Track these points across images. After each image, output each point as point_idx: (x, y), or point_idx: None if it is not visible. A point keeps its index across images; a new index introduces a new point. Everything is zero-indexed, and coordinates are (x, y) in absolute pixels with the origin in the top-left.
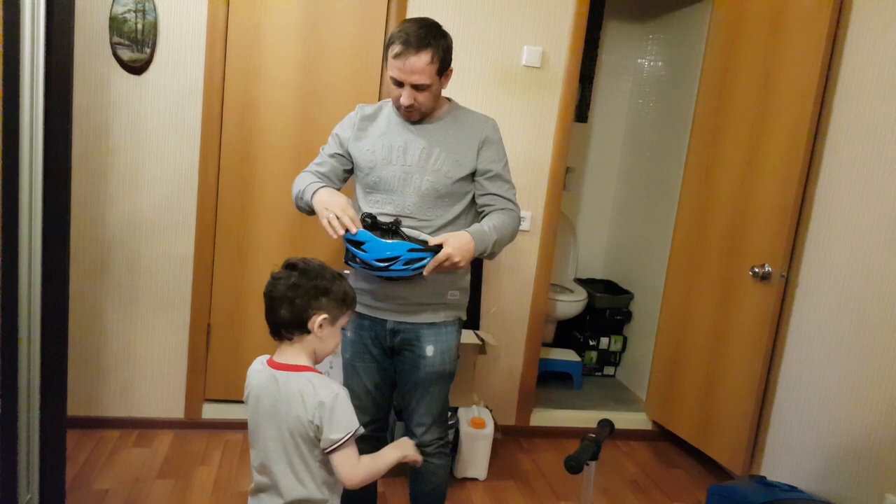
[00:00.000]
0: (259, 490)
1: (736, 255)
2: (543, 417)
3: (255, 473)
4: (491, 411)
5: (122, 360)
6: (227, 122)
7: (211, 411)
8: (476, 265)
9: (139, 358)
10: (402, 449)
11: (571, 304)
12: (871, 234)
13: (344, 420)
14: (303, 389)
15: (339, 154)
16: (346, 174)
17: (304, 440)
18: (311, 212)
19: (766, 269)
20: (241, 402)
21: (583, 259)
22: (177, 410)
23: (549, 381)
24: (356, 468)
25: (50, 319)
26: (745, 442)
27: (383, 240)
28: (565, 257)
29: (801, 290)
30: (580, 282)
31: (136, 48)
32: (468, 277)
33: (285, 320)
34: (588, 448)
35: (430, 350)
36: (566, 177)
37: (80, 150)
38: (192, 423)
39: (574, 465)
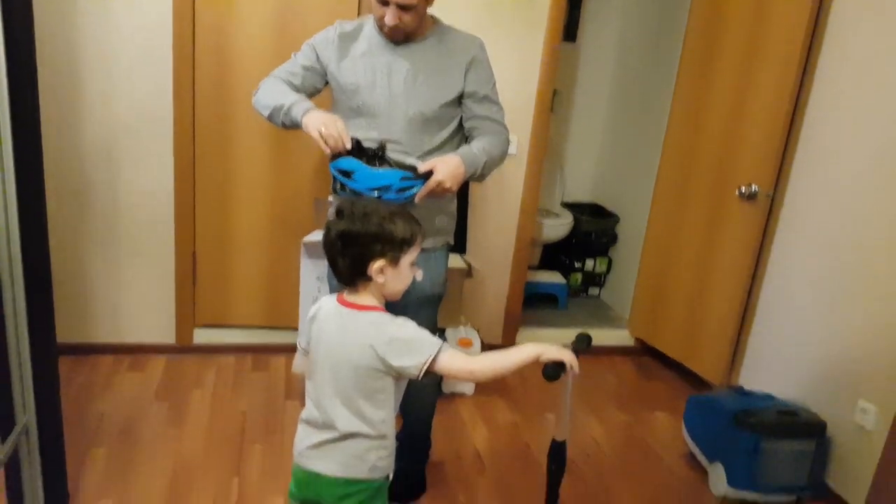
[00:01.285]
0: (311, 421)
1: (723, 176)
2: (529, 336)
3: (311, 405)
4: (478, 331)
5: (109, 288)
6: (200, 46)
7: (202, 336)
8: (462, 191)
9: (125, 285)
10: (550, 350)
11: (557, 227)
12: (857, 155)
13: (424, 341)
14: (370, 328)
15: (314, 69)
16: (317, 91)
17: (371, 377)
18: (289, 126)
19: (753, 188)
20: (232, 326)
21: (570, 183)
22: (168, 336)
23: (534, 303)
24: (471, 362)
25: (30, 243)
26: (725, 355)
27: (371, 167)
28: (552, 181)
29: (786, 209)
30: (567, 205)
31: None
32: (455, 203)
33: (344, 270)
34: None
35: (419, 274)
36: (553, 100)
37: (48, 81)
38: (183, 348)
39: (551, 373)
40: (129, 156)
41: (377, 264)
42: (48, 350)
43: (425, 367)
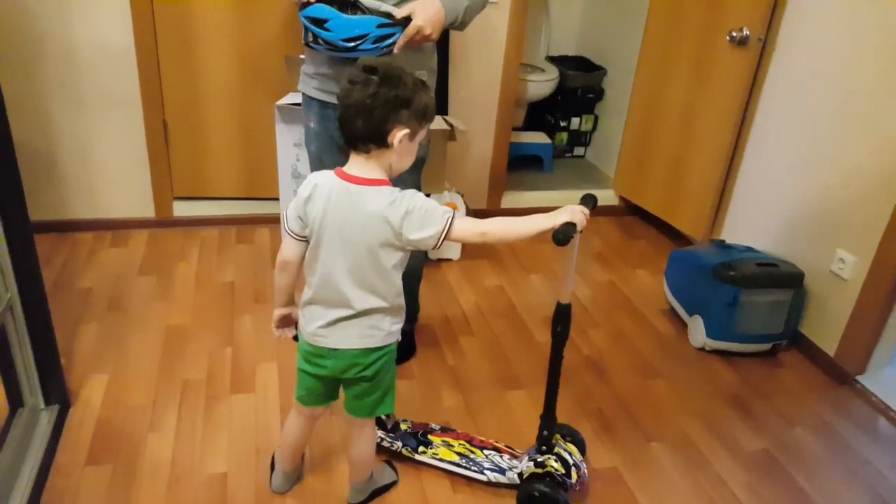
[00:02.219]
0: (321, 301)
1: (714, 20)
2: (514, 200)
3: (317, 287)
4: (462, 196)
5: (79, 162)
6: None
7: (182, 209)
8: (442, 45)
9: (97, 158)
10: (565, 215)
11: (543, 83)
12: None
13: (436, 210)
14: (384, 203)
15: None
16: None
17: (386, 254)
18: None
19: (745, 32)
20: (212, 198)
21: (555, 35)
22: (147, 210)
23: (519, 165)
24: (483, 224)
25: None
26: (708, 209)
27: (345, 14)
28: (537, 33)
29: (777, 53)
30: (552, 60)
31: None
32: (435, 58)
33: (361, 132)
34: (572, 223)
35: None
36: None
37: None
38: (164, 222)
39: (562, 238)
40: (82, 13)
41: (401, 132)
42: (20, 221)
43: (443, 237)
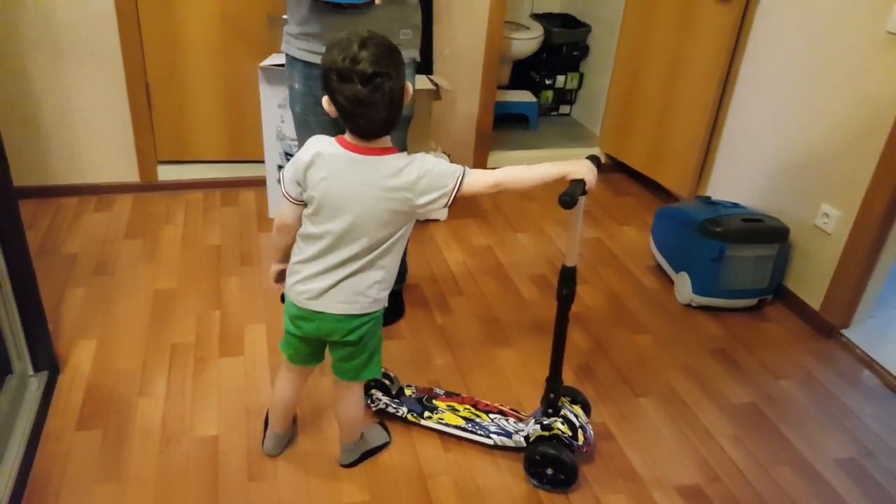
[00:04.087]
0: (310, 265)
1: None
2: (500, 159)
3: (312, 252)
4: (448, 156)
5: (61, 126)
6: None
7: (166, 173)
8: (426, 3)
9: (79, 122)
10: (577, 167)
11: (527, 41)
12: None
13: (446, 171)
14: (396, 168)
15: None
16: None
17: (396, 221)
18: None
19: None
20: (195, 162)
21: None
22: (132, 174)
23: (505, 124)
24: (494, 175)
25: None
26: (693, 166)
27: None
28: None
29: (761, 8)
30: (536, 17)
31: None
32: (419, 14)
33: (388, 122)
34: (579, 184)
35: None
36: None
37: None
38: (149, 186)
39: (568, 200)
40: None
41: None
42: (4, 186)
43: (454, 195)
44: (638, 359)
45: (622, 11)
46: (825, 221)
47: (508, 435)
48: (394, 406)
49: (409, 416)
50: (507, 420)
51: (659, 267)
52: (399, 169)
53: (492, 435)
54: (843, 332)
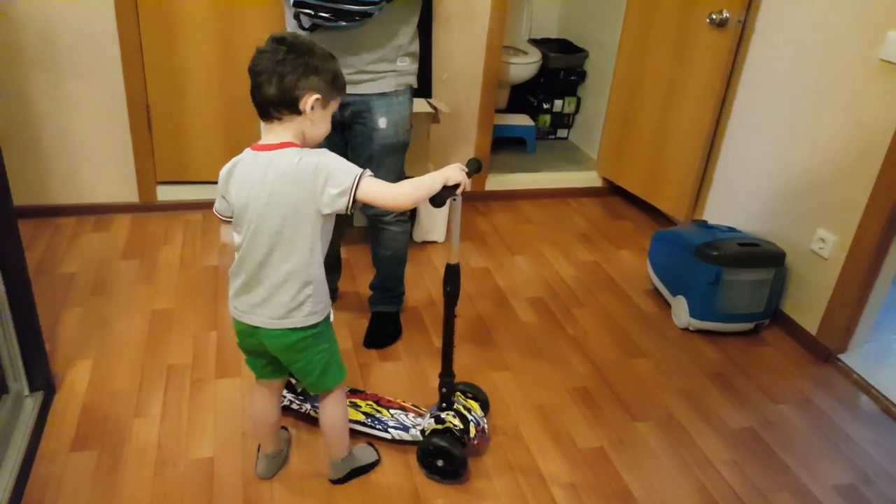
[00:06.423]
0: (242, 274)
1: (694, 3)
2: (498, 182)
3: (238, 261)
4: None
5: (60, 146)
6: None
7: (165, 193)
8: (424, 28)
9: (79, 142)
10: (453, 171)
11: (525, 66)
12: None
13: (344, 168)
14: (291, 162)
15: None
16: None
17: (300, 217)
18: None
19: (724, 15)
20: (196, 182)
21: (537, 17)
22: (131, 195)
23: (502, 147)
24: (394, 187)
25: None
26: (690, 190)
27: None
28: (519, 15)
29: (757, 35)
30: (534, 42)
31: None
32: (417, 43)
33: (273, 98)
34: (451, 188)
35: (382, 122)
36: None
37: None
38: (148, 207)
39: (439, 200)
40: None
41: (312, 98)
42: (3, 205)
43: (353, 194)
44: (635, 383)
45: (619, 37)
46: (821, 246)
47: (406, 429)
48: (297, 402)
49: (312, 413)
50: (406, 415)
51: (656, 291)
52: (296, 161)
53: (390, 429)
54: (841, 356)
